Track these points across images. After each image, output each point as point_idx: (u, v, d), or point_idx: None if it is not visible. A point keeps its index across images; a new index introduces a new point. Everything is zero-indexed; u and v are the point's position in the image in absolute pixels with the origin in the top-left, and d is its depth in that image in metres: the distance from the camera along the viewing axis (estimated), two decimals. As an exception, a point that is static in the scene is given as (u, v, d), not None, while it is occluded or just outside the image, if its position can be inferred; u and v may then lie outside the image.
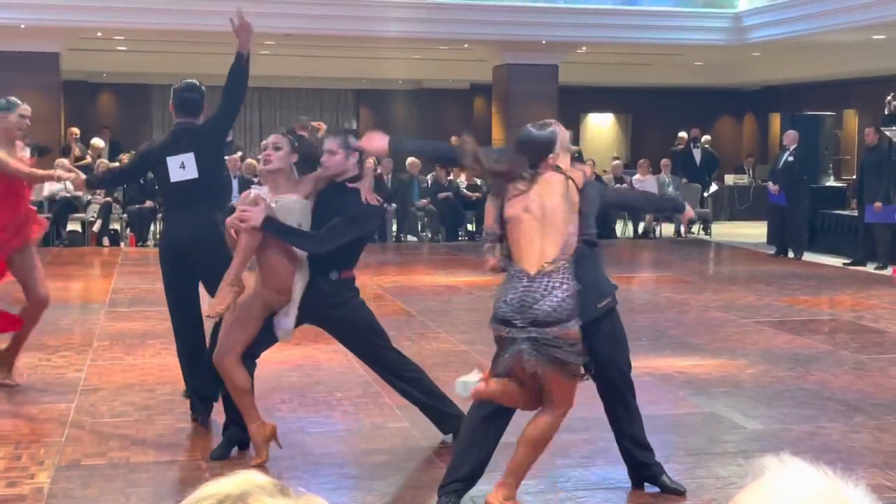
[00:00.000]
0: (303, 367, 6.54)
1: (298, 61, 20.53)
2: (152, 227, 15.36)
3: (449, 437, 5.25)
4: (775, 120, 21.51)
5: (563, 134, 4.41)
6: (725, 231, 17.40)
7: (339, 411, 6.07)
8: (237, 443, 5.24)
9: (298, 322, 5.06)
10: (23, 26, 15.08)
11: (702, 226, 17.23)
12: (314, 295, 5.00)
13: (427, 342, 8.07)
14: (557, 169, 4.29)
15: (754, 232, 16.69)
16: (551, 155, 4.30)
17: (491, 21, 16.42)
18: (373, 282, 11.34)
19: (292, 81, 22.34)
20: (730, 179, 20.41)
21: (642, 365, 6.70)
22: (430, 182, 16.50)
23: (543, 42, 16.97)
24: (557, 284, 4.07)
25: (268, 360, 7.29)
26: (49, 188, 14.81)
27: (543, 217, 4.18)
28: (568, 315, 4.06)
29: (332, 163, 4.98)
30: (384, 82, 23.01)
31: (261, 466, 4.92)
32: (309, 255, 4.96)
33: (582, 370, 4.18)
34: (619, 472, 4.78)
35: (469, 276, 11.71)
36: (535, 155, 4.30)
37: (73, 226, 15.19)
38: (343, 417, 5.97)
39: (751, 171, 20.95)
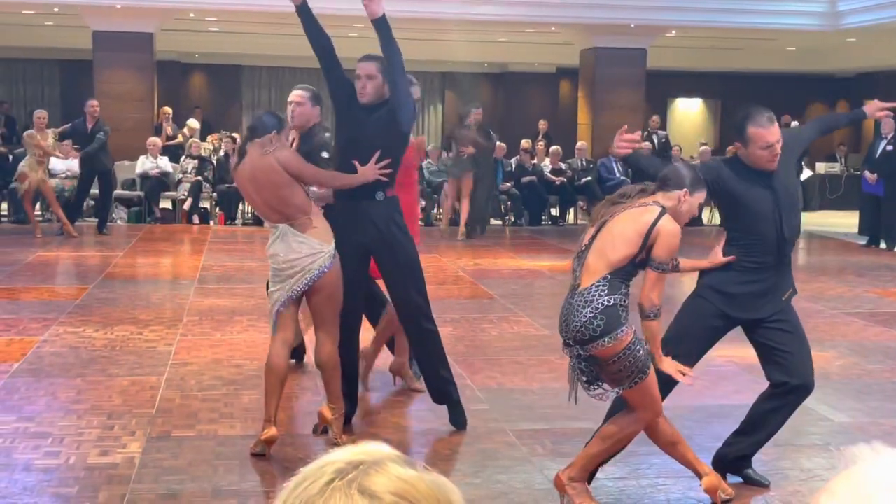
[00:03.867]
0: (384, 350, 6.59)
1: (385, 44, 20.59)
2: (241, 206, 15.62)
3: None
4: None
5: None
6: (816, 220, 17.03)
7: (423, 393, 6.12)
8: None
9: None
10: (119, 6, 15.43)
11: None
12: (363, 220, 5.15)
13: (509, 325, 8.08)
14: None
15: (846, 222, 16.31)
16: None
17: (579, 4, 16.29)
18: (454, 265, 11.39)
19: (379, 64, 22.43)
20: (821, 168, 19.97)
21: (727, 354, 6.63)
22: (513, 165, 16.47)
23: (632, 25, 16.79)
24: (591, 299, 4.03)
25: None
26: (141, 166, 15.17)
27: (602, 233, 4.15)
28: (602, 331, 4.00)
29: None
30: (469, 65, 23.00)
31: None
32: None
33: (637, 375, 4.08)
34: (702, 459, 4.73)
35: (552, 261, 11.68)
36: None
37: (164, 203, 15.54)
38: (426, 400, 6.01)
39: (843, 160, 20.47)
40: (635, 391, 4.09)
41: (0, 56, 21.49)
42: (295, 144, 5.49)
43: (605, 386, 4.13)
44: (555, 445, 5.16)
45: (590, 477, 4.36)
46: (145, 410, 5.57)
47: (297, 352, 6.61)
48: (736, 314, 4.53)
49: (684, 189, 4.15)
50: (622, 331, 4.01)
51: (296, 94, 5.79)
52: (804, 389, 4.54)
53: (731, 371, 6.60)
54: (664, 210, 4.07)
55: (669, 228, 4.02)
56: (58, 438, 5.07)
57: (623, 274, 4.08)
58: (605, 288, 4.04)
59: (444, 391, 5.37)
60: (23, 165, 13.08)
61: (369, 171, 5.07)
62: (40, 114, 13.34)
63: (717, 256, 4.53)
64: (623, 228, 4.06)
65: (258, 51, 20.72)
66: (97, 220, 13.86)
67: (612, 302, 4.01)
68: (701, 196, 4.23)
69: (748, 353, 7.19)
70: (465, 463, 4.95)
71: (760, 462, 4.88)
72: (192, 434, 5.21)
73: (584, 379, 4.15)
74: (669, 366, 4.11)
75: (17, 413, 5.48)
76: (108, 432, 5.16)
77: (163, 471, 4.68)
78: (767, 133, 4.31)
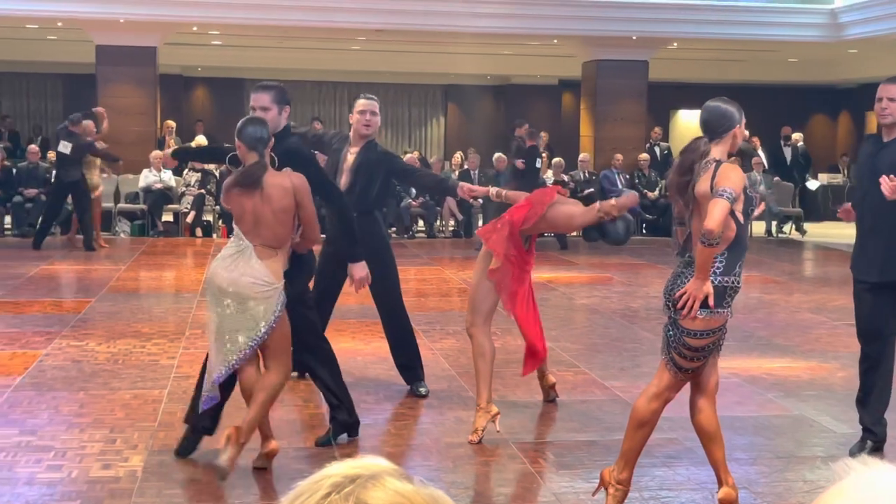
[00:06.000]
0: (388, 360, 6.60)
1: (387, 57, 20.69)
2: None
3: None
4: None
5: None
6: (818, 231, 17.04)
7: (424, 404, 6.12)
8: (346, 428, 5.33)
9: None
10: (122, 21, 15.48)
11: (794, 225, 16.90)
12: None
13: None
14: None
15: (849, 233, 16.29)
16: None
17: (580, 16, 16.33)
18: (457, 276, 11.40)
19: (381, 77, 22.51)
20: (823, 178, 19.98)
21: (730, 366, 6.63)
22: (516, 178, 16.47)
23: (634, 38, 16.82)
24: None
25: (354, 351, 7.42)
26: (144, 180, 15.20)
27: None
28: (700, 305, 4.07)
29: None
30: (472, 78, 23.04)
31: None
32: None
33: (674, 364, 4.17)
34: (704, 473, 4.73)
35: (554, 273, 11.69)
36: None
37: (167, 216, 15.56)
38: (427, 410, 6.02)
39: (845, 171, 20.46)
40: (681, 369, 4.18)
41: (4, 70, 21.56)
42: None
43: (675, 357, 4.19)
44: (557, 458, 5.15)
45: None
46: (148, 424, 5.57)
47: (302, 364, 6.60)
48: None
49: (736, 126, 4.21)
50: (718, 313, 4.09)
51: (370, 104, 6.11)
52: None
53: (734, 383, 6.60)
54: (718, 164, 4.09)
55: (721, 171, 4.05)
56: (60, 452, 5.06)
57: (739, 250, 4.12)
58: (721, 266, 4.10)
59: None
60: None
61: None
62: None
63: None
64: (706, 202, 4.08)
65: (261, 64, 20.75)
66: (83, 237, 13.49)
67: (721, 283, 4.09)
68: (742, 116, 4.28)
69: (750, 365, 7.21)
70: (468, 476, 4.95)
71: (763, 473, 4.87)
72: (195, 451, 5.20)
73: (662, 345, 4.26)
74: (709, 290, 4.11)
75: (19, 427, 5.48)
76: (111, 446, 5.16)
77: (165, 484, 4.68)
78: None
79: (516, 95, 23.28)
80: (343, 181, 6.11)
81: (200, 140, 17.51)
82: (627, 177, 16.54)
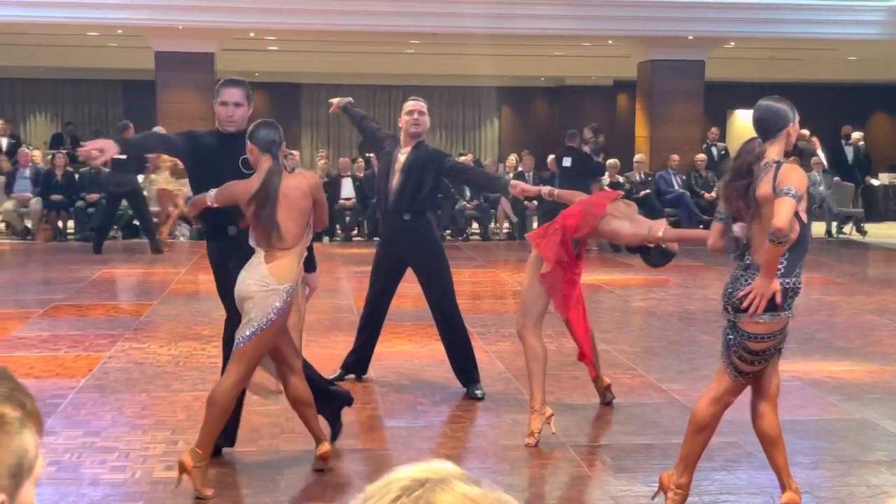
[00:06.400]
0: (444, 363, 6.62)
1: (441, 60, 20.74)
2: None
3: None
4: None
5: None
6: (879, 232, 16.74)
7: (480, 407, 6.13)
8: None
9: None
10: (180, 27, 15.71)
11: (854, 226, 16.63)
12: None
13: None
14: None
15: (911, 233, 16.01)
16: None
17: (636, 17, 16.23)
18: (512, 279, 11.39)
19: (435, 80, 22.58)
20: (884, 178, 19.64)
21: (790, 369, 6.55)
22: (571, 179, 16.42)
23: (690, 37, 16.68)
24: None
25: (410, 354, 7.46)
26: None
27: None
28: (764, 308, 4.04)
29: (238, 115, 4.99)
30: (526, 79, 23.01)
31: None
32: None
33: (734, 368, 4.14)
34: (765, 477, 4.68)
35: (609, 275, 11.63)
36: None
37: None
38: (483, 413, 6.03)
39: (907, 170, 20.11)
40: (741, 372, 4.14)
41: (66, 77, 22.00)
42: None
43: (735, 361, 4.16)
44: (614, 461, 5.14)
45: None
46: (208, 425, 5.64)
47: (356, 366, 6.66)
48: None
49: (789, 124, 4.18)
50: (779, 315, 4.07)
51: (417, 104, 6.25)
52: None
53: (795, 386, 6.52)
54: (778, 166, 4.05)
55: (783, 171, 4.02)
56: (123, 453, 5.16)
57: (800, 251, 4.09)
58: (782, 267, 4.08)
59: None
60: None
61: None
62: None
63: None
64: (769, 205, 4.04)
65: (317, 69, 20.95)
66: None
67: (782, 284, 4.06)
68: (796, 114, 4.23)
69: (811, 368, 7.11)
70: (524, 478, 4.95)
71: (825, 478, 4.81)
72: (254, 449, 5.27)
73: (721, 348, 4.23)
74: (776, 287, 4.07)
75: (84, 428, 5.59)
76: (173, 447, 5.24)
77: (225, 486, 4.74)
78: None
79: (570, 96, 23.21)
80: (394, 182, 6.19)
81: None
82: (684, 178, 16.40)
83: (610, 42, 17.95)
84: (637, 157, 16.87)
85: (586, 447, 5.39)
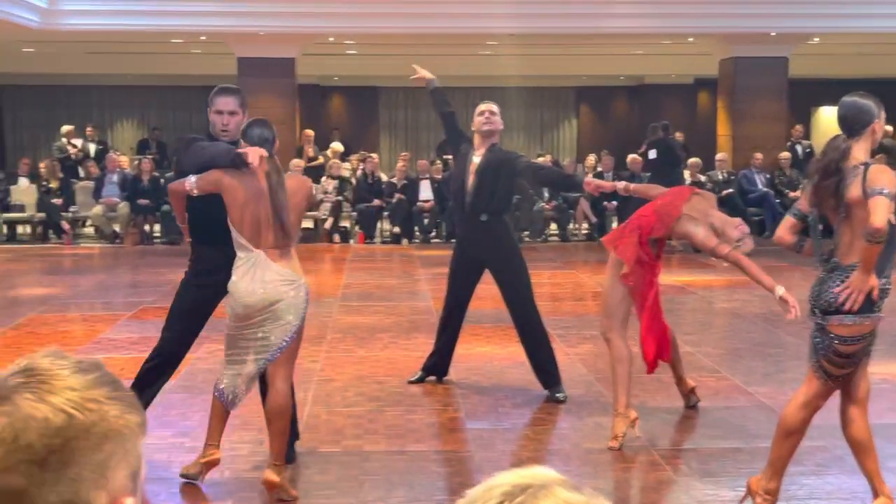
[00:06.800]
0: (524, 365, 6.61)
1: (519, 60, 20.68)
2: (379, 225, 15.92)
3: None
4: None
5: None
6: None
7: (562, 409, 6.11)
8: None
9: None
10: (262, 33, 15.95)
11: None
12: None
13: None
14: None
15: None
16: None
17: (717, 14, 16.01)
18: (592, 280, 11.32)
19: (512, 80, 22.54)
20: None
21: (880, 371, 6.40)
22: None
23: (772, 34, 16.39)
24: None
25: (490, 356, 7.46)
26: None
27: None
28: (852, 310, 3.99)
29: (233, 123, 4.92)
30: (605, 79, 22.86)
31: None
32: None
33: (822, 371, 4.08)
34: (856, 482, 4.59)
35: (692, 276, 11.48)
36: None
37: (306, 223, 15.93)
38: (566, 415, 6.01)
39: None
40: (830, 376, 4.09)
41: (151, 84, 22.48)
42: None
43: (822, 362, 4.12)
44: (700, 465, 5.08)
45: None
46: (293, 426, 5.72)
47: (437, 368, 6.69)
48: None
49: (874, 121, 4.10)
50: (868, 317, 4.02)
51: (488, 105, 6.35)
52: None
53: (885, 389, 6.36)
54: (865, 168, 3.98)
55: (872, 172, 3.96)
56: (212, 453, 5.25)
57: (889, 251, 4.04)
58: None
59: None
60: None
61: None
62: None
63: None
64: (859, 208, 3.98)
65: (395, 72, 21.01)
66: None
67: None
68: (882, 110, 4.15)
69: (903, 371, 6.94)
70: (609, 482, 4.92)
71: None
72: (339, 450, 5.33)
73: (809, 352, 4.19)
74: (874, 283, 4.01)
75: (173, 428, 5.71)
76: (259, 447, 5.31)
77: (311, 485, 4.81)
78: None
79: (650, 95, 23.00)
80: (470, 183, 6.25)
81: (337, 147, 17.87)
82: (767, 176, 16.13)
83: (690, 40, 17.73)
84: (719, 155, 16.63)
85: (671, 451, 5.34)
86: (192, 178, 4.64)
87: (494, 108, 6.33)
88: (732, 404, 6.17)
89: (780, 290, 4.63)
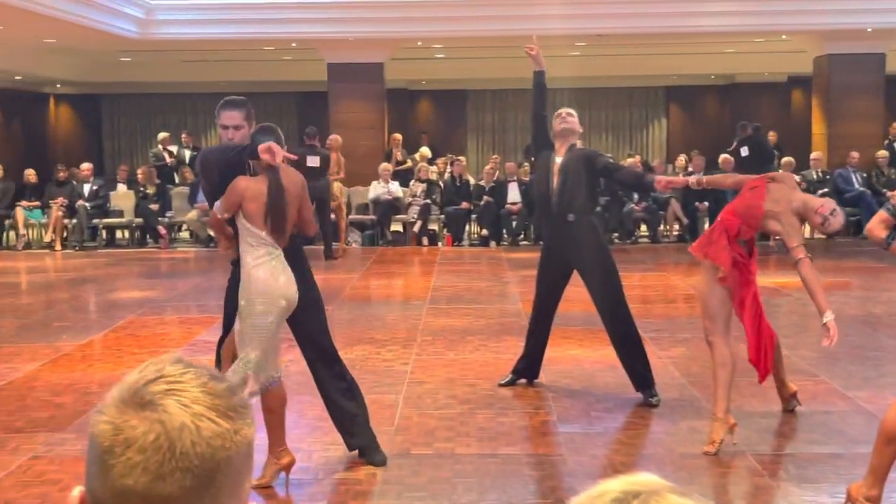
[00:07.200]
0: (616, 368, 6.56)
1: (607, 60, 20.56)
2: (467, 228, 15.96)
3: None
4: None
5: None
6: None
7: (655, 413, 6.05)
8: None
9: None
10: (351, 39, 16.13)
11: None
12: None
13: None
14: None
15: None
16: None
17: (811, 10, 15.67)
18: (684, 282, 11.17)
19: (600, 81, 22.39)
20: None
21: None
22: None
23: (869, 30, 15.98)
24: None
25: (581, 359, 7.42)
26: (374, 191, 15.76)
27: None
28: None
29: (238, 137, 4.89)
30: (695, 78, 22.56)
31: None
32: None
33: None
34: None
35: (787, 278, 11.24)
36: None
37: (395, 226, 16.07)
38: (659, 419, 5.94)
39: None
40: None
41: (243, 90, 22.82)
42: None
43: None
44: (799, 471, 4.97)
45: None
46: (385, 428, 5.75)
47: (527, 371, 6.68)
48: None
49: None
50: None
51: (564, 109, 6.46)
52: None
53: None
54: None
55: None
56: (307, 454, 5.32)
57: None
58: None
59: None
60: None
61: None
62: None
63: None
64: None
65: (483, 74, 21.10)
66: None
67: None
68: None
69: None
70: (705, 488, 4.84)
71: None
72: (430, 452, 5.35)
73: None
74: None
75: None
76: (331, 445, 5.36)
77: (404, 487, 4.84)
78: None
79: (742, 94, 22.60)
80: (554, 183, 6.31)
81: (425, 152, 17.97)
82: (864, 175, 15.72)
83: (784, 37, 17.40)
84: (814, 154, 16.28)
85: (768, 456, 5.24)
86: (217, 205, 4.76)
87: (571, 111, 6.45)
88: (831, 409, 6.03)
89: (829, 317, 4.66)
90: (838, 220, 5.14)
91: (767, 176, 5.45)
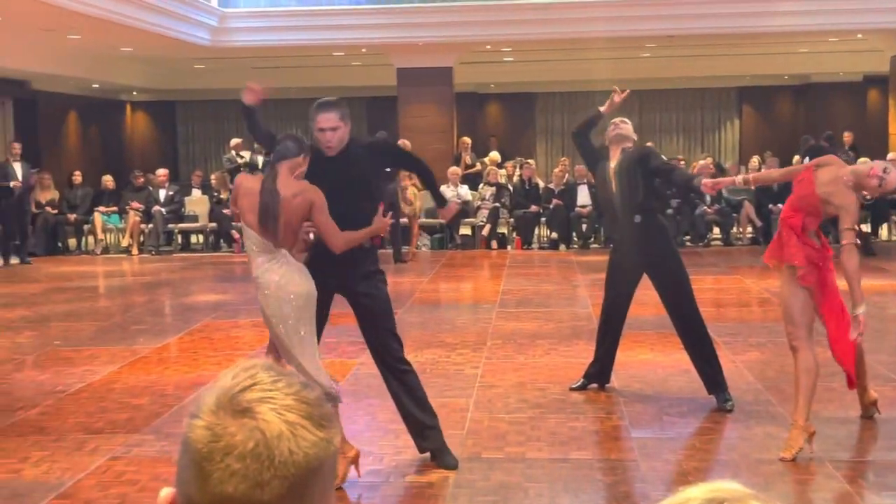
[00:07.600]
0: (689, 373, 6.48)
1: (678, 62, 20.35)
2: (536, 231, 15.91)
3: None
4: None
5: None
6: None
7: (729, 418, 5.97)
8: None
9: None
10: (420, 44, 16.20)
11: None
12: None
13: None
14: None
15: None
16: None
17: (887, 8, 15.34)
18: (758, 286, 11.01)
19: (671, 82, 22.17)
20: None
21: None
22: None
23: (949, 26, 15.59)
24: None
25: (653, 364, 7.36)
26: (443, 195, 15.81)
27: None
28: None
29: (336, 139, 4.91)
30: (768, 78, 22.22)
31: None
32: None
33: None
34: None
35: (865, 281, 11.00)
36: None
37: (464, 230, 16.08)
38: (734, 425, 5.86)
39: None
40: None
41: (313, 96, 22.99)
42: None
43: None
44: (879, 478, 4.87)
45: None
46: (456, 431, 5.77)
47: (598, 376, 6.63)
48: None
49: None
50: None
51: (617, 118, 6.42)
52: None
53: None
54: None
55: None
56: (378, 457, 5.36)
57: None
58: None
59: (422, 427, 5.20)
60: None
61: (380, 224, 5.05)
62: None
63: None
64: None
65: (552, 77, 21.03)
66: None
67: None
68: None
69: None
70: (782, 495, 4.76)
71: None
72: (501, 456, 5.35)
73: None
74: None
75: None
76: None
77: (475, 491, 4.84)
78: None
79: (816, 94, 22.20)
80: (613, 186, 6.31)
81: (494, 155, 17.96)
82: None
83: (859, 36, 17.05)
84: (890, 155, 15.89)
85: (847, 463, 5.14)
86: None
87: (625, 119, 6.50)
88: (912, 416, 5.89)
89: (861, 310, 4.60)
90: (894, 175, 5.05)
91: (813, 163, 5.37)
